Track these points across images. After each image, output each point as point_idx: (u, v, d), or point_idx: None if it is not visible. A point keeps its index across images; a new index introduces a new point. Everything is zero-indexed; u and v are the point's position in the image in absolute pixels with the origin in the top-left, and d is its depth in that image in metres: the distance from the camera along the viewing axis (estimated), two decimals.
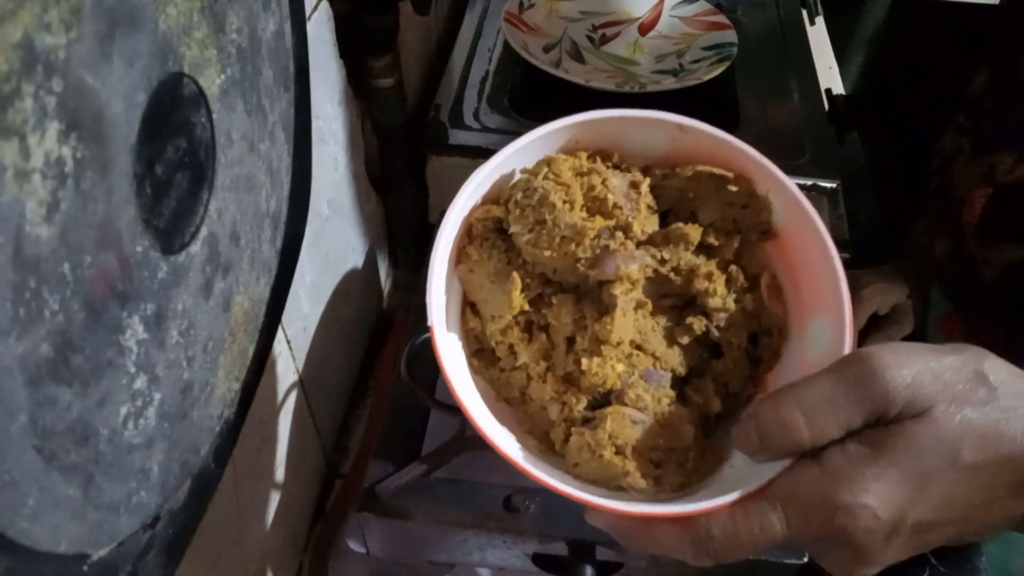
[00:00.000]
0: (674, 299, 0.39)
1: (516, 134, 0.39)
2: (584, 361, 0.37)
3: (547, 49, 0.93)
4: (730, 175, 0.39)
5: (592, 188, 0.38)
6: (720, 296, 0.38)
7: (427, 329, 0.36)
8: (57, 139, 0.25)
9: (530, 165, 0.39)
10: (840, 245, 0.37)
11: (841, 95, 0.92)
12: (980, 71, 0.67)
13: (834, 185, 0.79)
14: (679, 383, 0.38)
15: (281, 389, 0.60)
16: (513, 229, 0.38)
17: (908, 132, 0.98)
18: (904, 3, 1.35)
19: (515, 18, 0.94)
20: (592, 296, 0.38)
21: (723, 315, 0.38)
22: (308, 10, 0.55)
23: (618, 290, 0.37)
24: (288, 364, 0.61)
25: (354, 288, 0.79)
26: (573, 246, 0.37)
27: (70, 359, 0.27)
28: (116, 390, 0.30)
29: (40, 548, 0.27)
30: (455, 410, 0.36)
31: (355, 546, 0.59)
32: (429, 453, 0.55)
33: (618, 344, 0.37)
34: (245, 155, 0.40)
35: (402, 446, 0.58)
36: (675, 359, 0.38)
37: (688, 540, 0.31)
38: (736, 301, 0.39)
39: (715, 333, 0.38)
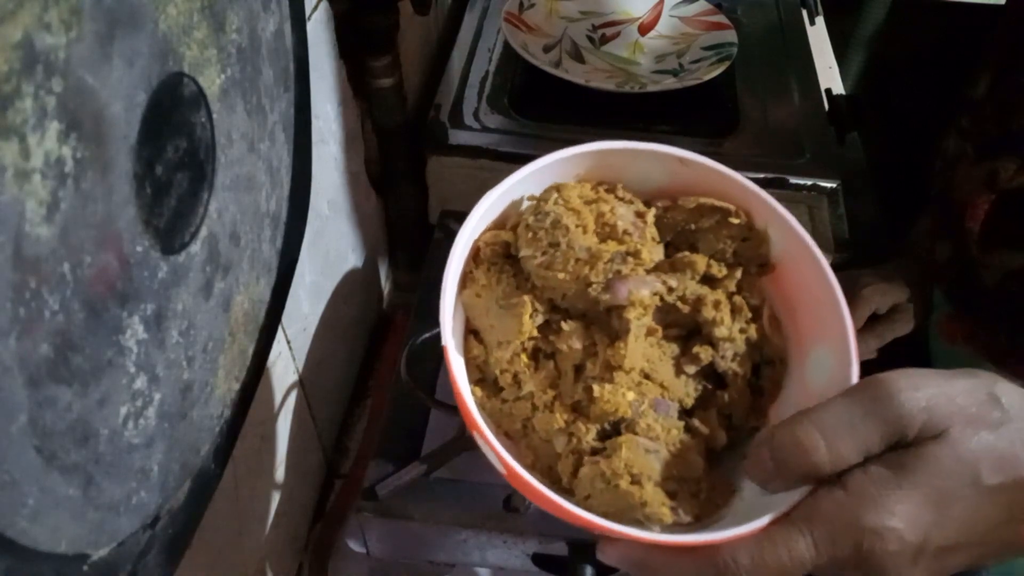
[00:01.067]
0: (678, 329, 0.39)
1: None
2: (596, 388, 0.36)
3: (547, 49, 0.93)
4: (732, 208, 0.39)
5: (602, 214, 0.38)
6: (727, 326, 0.38)
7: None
8: (57, 139, 0.25)
9: (536, 193, 0.40)
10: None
11: (841, 95, 0.92)
12: (982, 75, 0.66)
13: (834, 185, 0.79)
14: (684, 415, 0.38)
15: (281, 389, 0.60)
16: (523, 252, 0.38)
17: (908, 132, 0.98)
18: (904, 3, 1.35)
19: (515, 18, 0.94)
20: (601, 322, 0.38)
21: (729, 345, 0.38)
22: (308, 10, 0.55)
23: (631, 315, 0.36)
24: (288, 364, 0.61)
25: (354, 288, 0.79)
26: (587, 269, 0.37)
27: (70, 359, 0.27)
28: (116, 390, 0.30)
29: (40, 548, 0.27)
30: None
31: (355, 546, 0.59)
32: (429, 453, 0.55)
33: (629, 371, 0.36)
34: (245, 155, 0.40)
35: (402, 446, 0.58)
36: (681, 389, 0.38)
37: (712, 570, 0.30)
38: (741, 331, 0.38)
39: (721, 364, 0.38)
